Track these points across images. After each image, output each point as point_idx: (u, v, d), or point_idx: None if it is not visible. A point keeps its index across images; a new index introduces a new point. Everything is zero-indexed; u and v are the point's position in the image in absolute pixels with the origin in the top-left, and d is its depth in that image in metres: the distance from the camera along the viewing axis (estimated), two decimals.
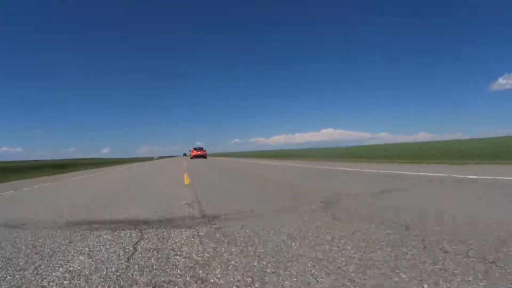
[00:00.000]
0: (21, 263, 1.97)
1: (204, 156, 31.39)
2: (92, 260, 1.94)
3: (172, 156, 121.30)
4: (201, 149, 32.25)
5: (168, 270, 1.72)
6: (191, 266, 1.75)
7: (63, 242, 2.43)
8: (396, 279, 1.44)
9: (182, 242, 2.24)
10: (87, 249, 2.18)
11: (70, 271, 1.79)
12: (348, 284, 1.42)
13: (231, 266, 1.72)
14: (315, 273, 1.55)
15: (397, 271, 1.53)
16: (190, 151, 32.96)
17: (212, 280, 1.54)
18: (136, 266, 1.80)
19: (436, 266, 1.56)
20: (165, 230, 2.61)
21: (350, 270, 1.57)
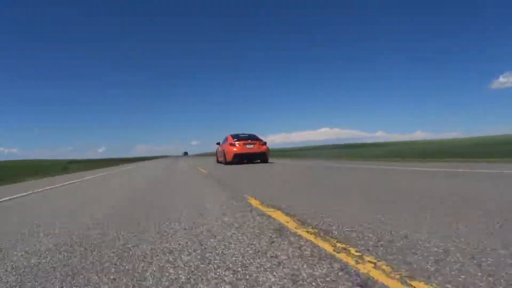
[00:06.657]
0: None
1: (262, 156, 11.95)
2: None
3: (167, 156, 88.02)
4: (254, 139, 12.09)
5: None
6: None
7: None
8: None
9: None
10: None
11: None
12: None
13: None
14: None
15: None
16: (218, 144, 13.95)
17: None
18: None
19: None
20: None
21: None
